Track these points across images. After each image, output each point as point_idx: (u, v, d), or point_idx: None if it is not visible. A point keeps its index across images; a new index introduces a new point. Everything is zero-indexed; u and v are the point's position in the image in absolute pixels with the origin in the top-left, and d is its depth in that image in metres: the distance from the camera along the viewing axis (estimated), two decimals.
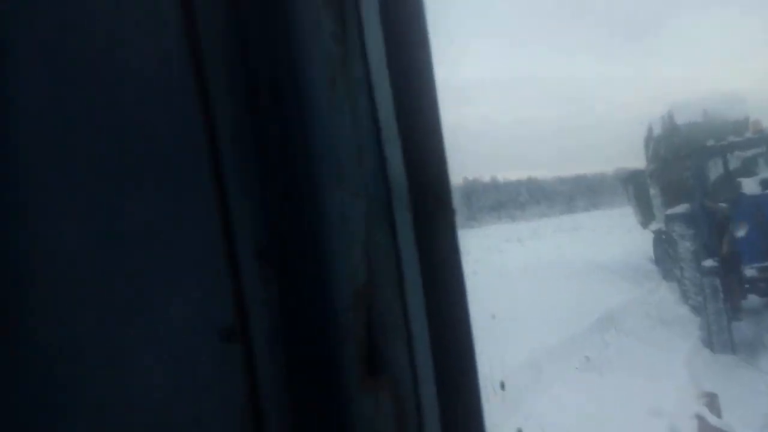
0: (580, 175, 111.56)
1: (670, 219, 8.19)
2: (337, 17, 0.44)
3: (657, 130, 10.07)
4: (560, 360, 5.94)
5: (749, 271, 6.06)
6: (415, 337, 0.47)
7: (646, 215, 11.73)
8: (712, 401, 2.85)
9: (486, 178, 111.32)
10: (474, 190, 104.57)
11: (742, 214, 6.15)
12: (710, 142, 7.96)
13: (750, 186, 6.47)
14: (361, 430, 0.42)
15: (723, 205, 6.88)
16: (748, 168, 8.56)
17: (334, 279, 0.42)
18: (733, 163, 8.74)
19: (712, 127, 8.67)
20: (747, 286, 6.46)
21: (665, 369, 5.28)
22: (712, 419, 2.59)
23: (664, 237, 11.00)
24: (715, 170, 8.58)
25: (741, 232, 6.01)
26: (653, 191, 10.42)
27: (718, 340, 6.12)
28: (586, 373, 5.38)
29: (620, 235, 21.41)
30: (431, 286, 0.50)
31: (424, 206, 0.50)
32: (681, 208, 7.88)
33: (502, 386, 4.43)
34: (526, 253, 20.07)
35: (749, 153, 8.56)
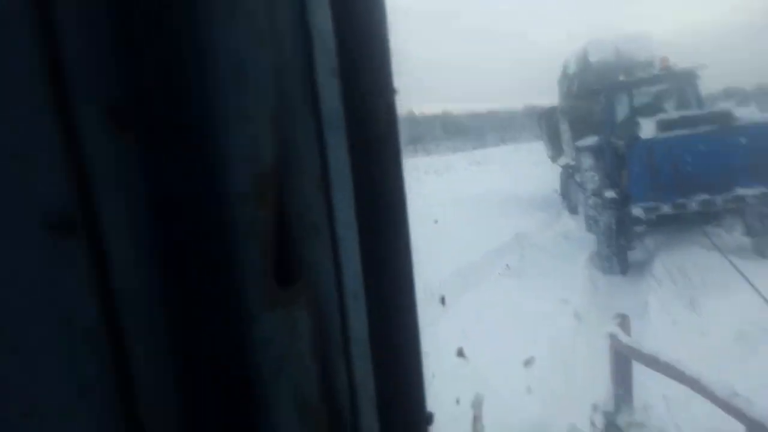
0: (492, 110, 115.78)
1: (579, 150, 8.41)
2: None
3: (572, 68, 10.35)
4: (485, 269, 6.98)
5: (636, 210, 6.20)
6: (341, 239, 0.37)
7: (556, 150, 12.14)
8: (623, 322, 2.97)
9: (403, 112, 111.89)
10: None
11: (635, 155, 6.23)
12: (621, 78, 8.32)
13: (647, 126, 6.59)
14: (269, 357, 0.32)
15: (622, 142, 7.12)
16: (656, 104, 8.77)
17: (226, 154, 0.30)
18: (643, 99, 8.90)
19: (622, 65, 9.15)
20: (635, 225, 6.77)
21: (570, 273, 6.46)
22: (623, 338, 2.73)
23: (570, 171, 11.52)
24: (623, 106, 8.71)
25: (632, 172, 6.17)
26: (564, 127, 10.62)
27: (611, 263, 6.68)
28: (506, 278, 6.44)
29: (529, 169, 23.17)
30: (363, 177, 0.39)
31: (356, 75, 0.39)
32: (589, 141, 8.19)
33: (443, 301, 4.38)
34: (444, 184, 21.30)
35: (657, 89, 8.83)
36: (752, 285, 4.34)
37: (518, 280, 6.27)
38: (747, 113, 6.38)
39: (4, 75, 0.25)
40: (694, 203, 5.81)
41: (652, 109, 8.24)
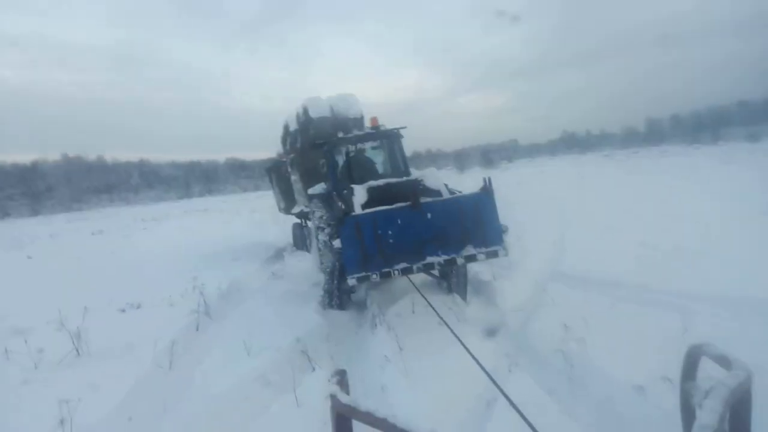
0: (194, 161, 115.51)
1: (311, 197, 8.86)
2: None
3: (293, 125, 11.16)
4: (257, 276, 9.95)
5: (350, 281, 6.42)
6: None
7: (288, 201, 12.60)
8: (341, 378, 2.80)
9: (92, 156, 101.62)
10: (77, 169, 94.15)
11: (345, 231, 6.43)
12: (340, 134, 8.98)
13: (359, 192, 7.27)
14: None
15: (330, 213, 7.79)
16: (370, 157, 9.76)
17: None
18: (360, 152, 9.76)
19: (338, 121, 10.31)
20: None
21: (312, 285, 8.76)
22: (343, 397, 2.52)
23: (302, 219, 12.83)
24: (343, 157, 9.53)
25: (344, 248, 6.44)
26: (294, 177, 11.17)
27: (331, 302, 7.53)
28: (274, 280, 9.53)
29: (247, 217, 26.22)
30: None
31: None
32: (319, 188, 8.85)
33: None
34: (177, 230, 22.48)
35: (370, 144, 9.68)
36: (443, 320, 5.62)
37: (282, 280, 9.48)
38: (434, 179, 7.47)
39: None
40: (396, 271, 6.42)
41: (365, 162, 9.55)
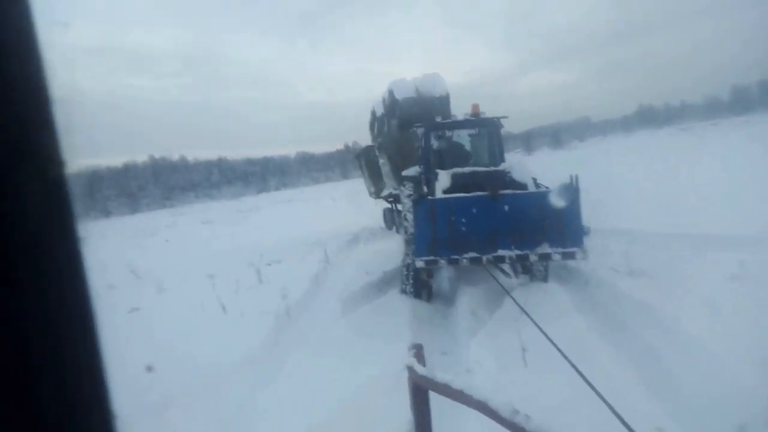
0: (267, 156, 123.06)
1: (403, 179, 8.82)
2: None
3: (380, 109, 11.29)
4: (356, 243, 13.30)
5: (418, 263, 6.69)
6: None
7: (377, 185, 12.80)
8: (418, 352, 3.00)
9: (174, 157, 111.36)
10: (163, 169, 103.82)
11: (419, 213, 6.68)
12: (438, 118, 8.82)
13: (443, 178, 7.42)
14: None
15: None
16: (463, 144, 9.77)
17: None
18: (455, 138, 9.76)
19: (424, 101, 10.13)
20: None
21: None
22: (419, 369, 2.73)
23: (392, 201, 13.10)
24: (437, 142, 9.41)
25: (416, 230, 6.72)
26: (383, 161, 11.18)
27: (405, 289, 7.60)
28: (368, 244, 12.85)
29: (329, 204, 29.88)
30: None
31: None
32: (413, 171, 8.85)
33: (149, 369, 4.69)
34: (275, 216, 26.57)
35: (467, 131, 9.61)
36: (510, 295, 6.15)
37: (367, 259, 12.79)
38: (522, 171, 7.47)
39: None
40: (464, 260, 6.54)
41: (459, 148, 9.56)
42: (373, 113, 12.12)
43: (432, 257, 6.62)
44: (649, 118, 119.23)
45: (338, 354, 5.45)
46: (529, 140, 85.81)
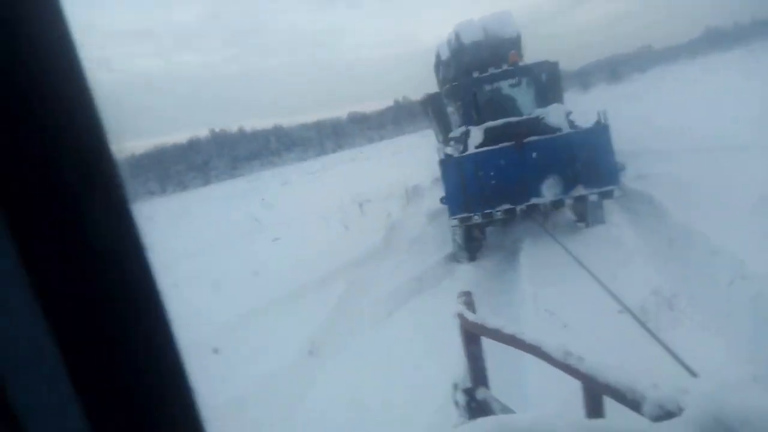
0: (320, 120, 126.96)
1: (449, 140, 8.90)
2: None
3: (445, 53, 10.67)
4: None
5: (452, 222, 6.95)
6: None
7: (446, 133, 12.25)
8: (468, 299, 3.05)
9: (233, 128, 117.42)
10: (224, 141, 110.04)
11: (448, 172, 6.90)
12: (476, 74, 8.80)
13: (475, 134, 7.47)
14: None
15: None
16: (509, 96, 9.67)
17: None
18: (499, 91, 9.67)
19: (492, 43, 9.62)
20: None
21: None
22: (470, 315, 2.82)
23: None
24: (483, 97, 9.34)
25: (446, 188, 6.89)
26: (450, 108, 11.09)
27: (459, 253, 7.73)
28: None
29: (391, 158, 32.69)
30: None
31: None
32: (458, 132, 8.80)
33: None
34: (346, 174, 29.98)
35: (507, 82, 9.44)
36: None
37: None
38: (556, 115, 7.37)
39: None
40: (498, 212, 6.67)
41: (503, 101, 9.43)
42: (438, 56, 11.39)
43: (465, 214, 6.83)
44: (715, 41, 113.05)
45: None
46: (585, 76, 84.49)
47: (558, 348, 2.06)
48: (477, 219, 6.86)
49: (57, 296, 0.46)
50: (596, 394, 1.92)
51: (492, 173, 6.71)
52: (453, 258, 7.69)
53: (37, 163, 0.45)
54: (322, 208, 14.70)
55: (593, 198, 6.62)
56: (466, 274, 6.84)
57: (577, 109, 8.16)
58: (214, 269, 9.88)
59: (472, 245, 7.63)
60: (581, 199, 6.72)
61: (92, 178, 0.48)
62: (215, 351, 5.32)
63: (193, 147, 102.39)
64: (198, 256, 11.94)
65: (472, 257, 7.56)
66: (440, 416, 3.67)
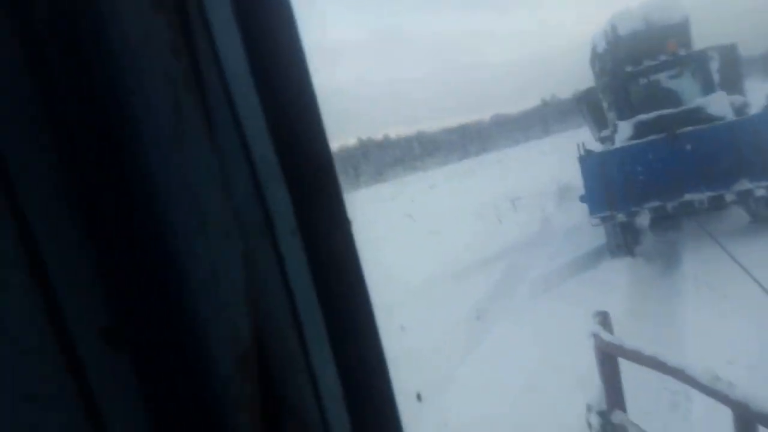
0: (463, 124, 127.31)
1: (602, 139, 8.60)
2: (172, 22, 0.36)
3: (601, 46, 10.02)
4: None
5: (593, 221, 6.74)
6: (321, 381, 0.46)
7: (604, 130, 11.97)
8: (604, 319, 3.00)
9: (378, 136, 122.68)
10: (370, 148, 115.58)
11: (587, 169, 6.61)
12: (629, 68, 8.30)
13: (623, 129, 7.21)
14: None
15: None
16: (670, 86, 8.92)
17: (211, 347, 0.37)
18: (659, 83, 9.00)
19: (654, 33, 8.70)
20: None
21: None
22: (606, 336, 2.80)
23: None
24: (638, 91, 8.76)
25: (586, 186, 6.59)
26: (606, 105, 10.43)
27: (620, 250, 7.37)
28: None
29: (541, 158, 32.36)
30: (333, 321, 0.47)
31: (314, 229, 0.47)
32: (607, 132, 8.62)
33: (419, 398, 4.57)
34: (492, 175, 30.55)
35: (666, 74, 8.83)
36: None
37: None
38: (720, 104, 6.81)
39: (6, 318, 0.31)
40: (646, 210, 6.28)
41: (665, 93, 8.65)
42: (594, 48, 10.57)
43: (608, 213, 6.56)
44: None
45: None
46: None
47: (705, 372, 1.96)
48: (621, 218, 6.57)
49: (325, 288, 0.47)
50: (749, 423, 1.81)
51: (639, 168, 6.40)
52: (608, 250, 7.49)
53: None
54: (474, 205, 15.54)
55: (760, 193, 6.05)
56: (619, 263, 7.18)
57: (758, 97, 7.39)
58: (380, 257, 11.24)
59: (628, 240, 7.30)
60: (744, 195, 6.14)
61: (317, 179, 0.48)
62: (402, 329, 6.01)
63: (343, 153, 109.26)
64: (363, 248, 13.44)
65: (630, 251, 7.23)
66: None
